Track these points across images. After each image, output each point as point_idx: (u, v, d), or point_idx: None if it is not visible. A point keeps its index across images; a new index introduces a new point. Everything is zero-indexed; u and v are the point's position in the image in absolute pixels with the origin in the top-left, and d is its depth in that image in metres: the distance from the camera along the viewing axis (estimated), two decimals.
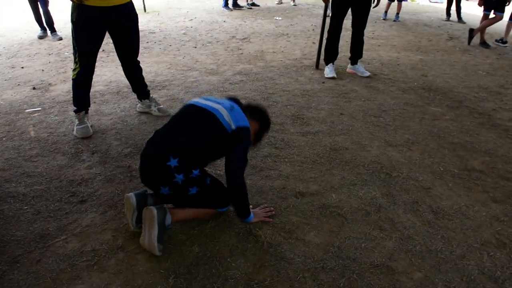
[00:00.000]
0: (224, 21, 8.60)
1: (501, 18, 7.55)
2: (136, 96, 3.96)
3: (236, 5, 10.12)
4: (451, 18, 10.34)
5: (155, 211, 2.09)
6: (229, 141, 2.21)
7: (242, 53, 6.20)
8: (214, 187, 2.28)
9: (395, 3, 9.89)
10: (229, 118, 2.22)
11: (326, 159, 3.21)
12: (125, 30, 3.43)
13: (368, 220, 2.53)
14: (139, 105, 3.96)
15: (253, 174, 2.96)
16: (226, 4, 9.98)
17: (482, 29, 7.67)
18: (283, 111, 4.09)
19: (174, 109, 4.03)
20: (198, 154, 2.19)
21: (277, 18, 9.31)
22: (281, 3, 11.32)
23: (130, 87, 3.95)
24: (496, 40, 8.03)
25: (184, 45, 6.61)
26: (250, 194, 2.70)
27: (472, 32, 7.71)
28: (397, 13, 9.88)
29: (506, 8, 7.50)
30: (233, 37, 7.28)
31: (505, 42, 7.93)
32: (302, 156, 3.24)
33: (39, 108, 4.03)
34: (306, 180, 2.92)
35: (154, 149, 2.19)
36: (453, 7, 10.28)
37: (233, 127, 2.21)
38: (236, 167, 2.22)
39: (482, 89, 5.18)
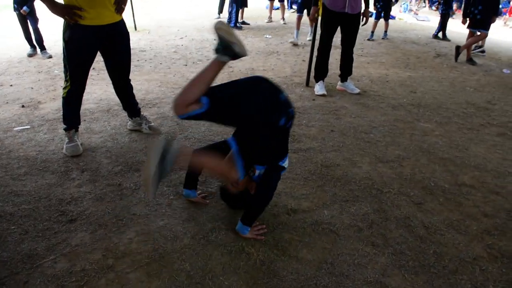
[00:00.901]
0: (215, 39, 8.63)
1: (486, 35, 7.71)
2: (126, 114, 3.94)
3: (235, 26, 10.11)
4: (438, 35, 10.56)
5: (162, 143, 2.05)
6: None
7: (232, 71, 6.23)
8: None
9: (382, 22, 10.02)
10: None
11: (317, 176, 3.21)
12: (117, 48, 3.43)
13: (360, 236, 2.52)
14: (129, 123, 3.95)
15: None
16: (234, 24, 9.99)
17: (468, 46, 7.81)
18: None
19: (165, 127, 4.02)
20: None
21: (267, 36, 9.40)
22: (271, 21, 11.43)
23: (120, 105, 3.93)
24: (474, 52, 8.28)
25: (174, 63, 6.62)
26: (242, 212, 2.68)
27: (458, 49, 7.85)
28: (385, 31, 10.01)
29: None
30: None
31: (481, 46, 8.21)
32: (294, 173, 3.24)
33: (28, 126, 3.99)
34: (298, 197, 2.91)
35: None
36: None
37: None
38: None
39: (470, 105, 5.24)
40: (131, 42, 3.59)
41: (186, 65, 6.51)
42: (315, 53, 5.35)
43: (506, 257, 2.45)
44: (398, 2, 9.87)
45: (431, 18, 14.42)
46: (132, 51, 3.68)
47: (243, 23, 10.71)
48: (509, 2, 18.07)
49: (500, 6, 15.07)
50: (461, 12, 8.42)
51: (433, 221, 2.73)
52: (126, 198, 2.82)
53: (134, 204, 2.76)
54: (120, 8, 3.30)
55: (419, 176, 3.33)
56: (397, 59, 7.73)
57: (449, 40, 10.19)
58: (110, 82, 3.69)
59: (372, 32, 9.98)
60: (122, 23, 3.40)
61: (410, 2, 17.34)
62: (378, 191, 3.04)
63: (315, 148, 3.70)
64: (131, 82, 3.76)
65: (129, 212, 2.66)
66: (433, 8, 17.93)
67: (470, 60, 7.81)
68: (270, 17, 11.57)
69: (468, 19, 7.80)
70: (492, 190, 3.19)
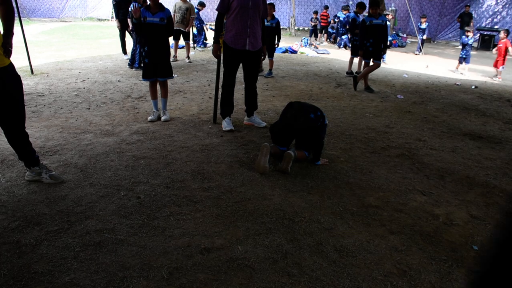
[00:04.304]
0: (119, 81, 8.46)
1: (378, 65, 8.33)
2: (23, 164, 3.68)
3: (139, 66, 9.91)
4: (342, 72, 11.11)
5: (292, 153, 4.05)
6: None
7: (138, 112, 6.10)
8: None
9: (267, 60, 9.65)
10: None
11: (229, 212, 3.20)
12: (8, 94, 3.22)
13: (276, 268, 2.53)
14: (28, 173, 3.68)
15: (156, 235, 2.85)
16: (138, 64, 9.77)
17: (364, 76, 8.37)
18: (183, 167, 4.04)
19: (67, 175, 3.79)
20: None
21: (174, 75, 9.36)
22: (176, 60, 11.45)
23: (16, 154, 3.66)
24: (347, 73, 9.74)
25: (76, 107, 6.35)
26: (154, 257, 2.60)
27: (356, 78, 8.38)
28: (270, 69, 9.74)
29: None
30: (129, 96, 7.17)
31: (351, 73, 9.68)
32: (205, 212, 3.20)
33: None
34: (211, 235, 2.87)
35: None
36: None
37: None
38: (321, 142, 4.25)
39: (370, 130, 5.57)
40: (27, 86, 3.41)
41: (89, 108, 6.27)
42: (220, 90, 5.41)
43: (413, 270, 2.60)
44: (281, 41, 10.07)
45: (330, 51, 15.32)
46: (29, 96, 3.49)
47: None
48: (397, 35, 19.77)
49: (390, 39, 16.56)
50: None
51: (345, 244, 2.82)
52: (26, 256, 2.59)
53: (35, 261, 2.54)
54: (8, 51, 3.12)
55: (328, 202, 3.44)
56: (301, 91, 8.05)
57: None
58: (2, 130, 3.43)
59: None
60: (11, 66, 3.21)
61: (310, 37, 18.28)
62: (290, 221, 3.09)
63: (225, 185, 3.69)
64: (29, 129, 3.53)
65: (29, 271, 2.45)
66: (331, 40, 19.07)
67: (367, 88, 8.36)
68: (175, 56, 11.60)
69: (361, 51, 8.38)
70: (396, 208, 3.38)
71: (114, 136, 4.93)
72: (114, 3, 10.74)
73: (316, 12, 19.28)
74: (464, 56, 11.71)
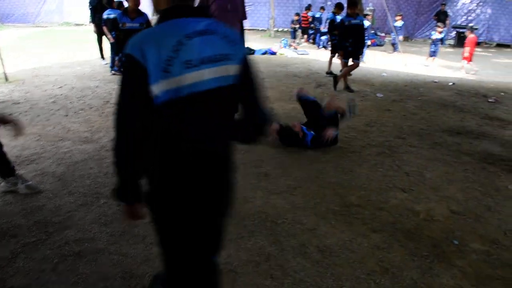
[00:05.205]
0: (97, 86, 8.32)
1: (357, 65, 8.39)
2: None
3: (119, 70, 9.80)
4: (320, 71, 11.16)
5: None
6: None
7: None
8: None
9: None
10: None
11: None
12: None
13: (259, 271, 2.51)
14: (2, 184, 3.59)
15: (137, 243, 2.81)
16: (118, 67, 9.62)
17: (344, 76, 8.41)
18: None
19: (45, 185, 3.71)
20: None
21: None
22: None
23: None
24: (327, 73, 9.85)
25: (54, 114, 6.22)
26: (135, 265, 2.56)
27: (336, 78, 8.41)
28: None
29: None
30: (108, 102, 7.06)
31: (330, 73, 9.62)
32: None
33: None
34: None
35: None
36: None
37: None
38: None
39: (351, 129, 5.59)
40: (2, 94, 3.34)
41: (67, 115, 6.15)
42: None
43: (396, 267, 2.61)
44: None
45: (309, 51, 15.36)
46: (3, 104, 3.40)
47: None
48: (375, 34, 19.93)
49: (366, 38, 16.60)
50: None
51: (328, 244, 2.82)
52: (1, 270, 2.52)
53: (11, 275, 2.48)
54: None
55: (311, 202, 3.43)
56: (281, 92, 8.04)
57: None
58: None
59: None
60: None
61: (294, 39, 18.25)
62: (272, 223, 3.07)
63: None
64: (2, 139, 3.45)
65: (5, 286, 2.39)
66: (310, 41, 19.10)
67: (347, 88, 8.39)
68: None
69: (341, 51, 8.46)
70: (377, 207, 3.40)
71: (93, 143, 4.85)
72: (90, 7, 10.60)
73: (298, 14, 19.30)
74: (433, 50, 12.41)
